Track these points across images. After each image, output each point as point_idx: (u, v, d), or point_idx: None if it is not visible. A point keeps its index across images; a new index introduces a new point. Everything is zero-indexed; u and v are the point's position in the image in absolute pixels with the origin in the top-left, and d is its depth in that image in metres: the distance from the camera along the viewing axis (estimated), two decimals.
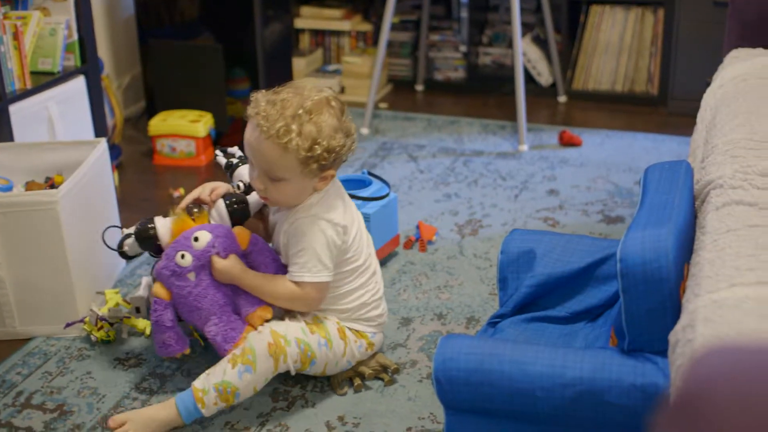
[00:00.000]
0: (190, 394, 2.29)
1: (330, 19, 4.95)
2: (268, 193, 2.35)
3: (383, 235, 2.98)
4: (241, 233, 2.41)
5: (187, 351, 2.41)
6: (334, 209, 2.36)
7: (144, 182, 3.85)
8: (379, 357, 2.49)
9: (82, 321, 2.72)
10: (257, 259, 2.42)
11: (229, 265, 2.35)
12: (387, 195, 2.98)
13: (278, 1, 4.14)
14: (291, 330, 2.34)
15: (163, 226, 2.45)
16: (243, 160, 2.64)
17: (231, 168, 2.66)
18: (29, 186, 2.94)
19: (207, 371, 2.31)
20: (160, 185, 3.83)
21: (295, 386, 2.46)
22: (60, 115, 3.38)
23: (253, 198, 2.51)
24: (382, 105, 4.63)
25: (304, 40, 5.04)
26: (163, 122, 3.99)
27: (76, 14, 3.51)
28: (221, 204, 2.48)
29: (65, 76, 3.45)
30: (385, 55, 4.59)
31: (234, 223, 2.47)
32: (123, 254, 2.56)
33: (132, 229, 2.52)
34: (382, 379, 2.47)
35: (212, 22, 4.14)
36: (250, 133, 2.29)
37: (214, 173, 3.89)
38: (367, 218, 2.88)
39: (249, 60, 4.06)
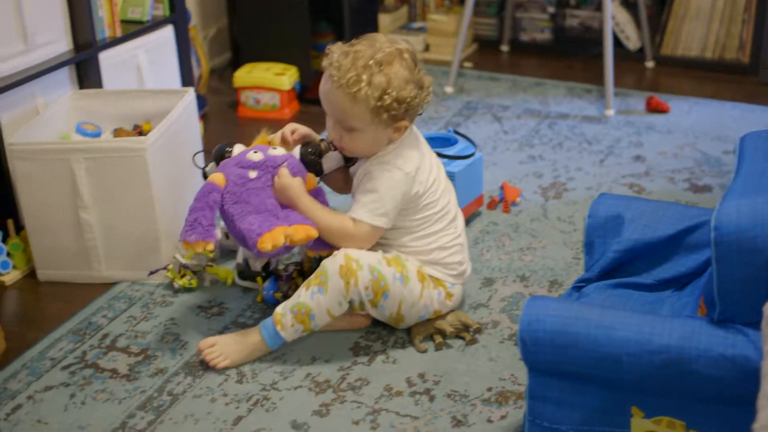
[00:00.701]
0: (271, 318, 2.38)
1: None
2: (343, 143, 2.39)
3: (467, 195, 2.96)
4: (310, 179, 2.46)
5: (210, 246, 2.37)
6: (406, 158, 2.38)
7: (228, 133, 3.86)
8: (461, 315, 2.48)
9: (165, 268, 2.75)
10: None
11: (293, 182, 2.40)
12: (473, 154, 2.95)
13: None
14: (366, 256, 2.36)
15: (239, 149, 2.50)
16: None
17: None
18: (117, 133, 2.98)
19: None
20: (244, 137, 3.83)
21: (377, 341, 2.47)
22: (148, 64, 3.40)
23: (336, 156, 2.52)
24: (467, 64, 4.59)
25: None
26: (248, 74, 4.00)
27: None
28: (297, 150, 2.50)
29: (154, 25, 3.46)
30: (471, 14, 4.53)
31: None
32: (205, 176, 2.60)
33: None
34: (463, 338, 2.46)
35: None
36: (323, 84, 2.36)
37: None
38: (452, 176, 2.87)
39: (335, 14, 4.04)
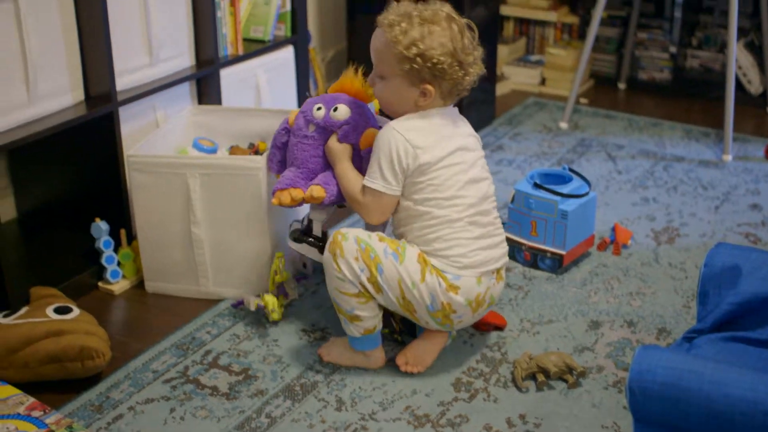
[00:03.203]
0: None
1: (536, 9, 4.87)
2: (375, 90, 2.44)
3: (579, 234, 2.92)
4: (369, 135, 2.50)
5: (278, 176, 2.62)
6: (416, 129, 2.36)
7: None
8: (565, 357, 2.44)
9: (241, 303, 2.75)
10: (363, 166, 2.49)
11: (338, 148, 2.50)
12: (587, 194, 2.91)
13: None
14: (354, 230, 2.39)
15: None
16: None
17: None
18: (233, 150, 3.00)
19: None
20: None
21: (479, 378, 2.44)
22: (267, 83, 3.44)
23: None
24: (583, 100, 4.54)
25: (509, 28, 4.99)
26: None
27: None
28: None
29: (275, 45, 3.50)
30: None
31: None
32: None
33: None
34: (566, 381, 2.42)
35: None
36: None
37: None
38: (564, 215, 2.83)
39: None
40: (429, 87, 2.34)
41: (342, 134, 2.50)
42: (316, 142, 2.54)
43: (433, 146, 2.35)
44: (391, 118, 2.45)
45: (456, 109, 2.49)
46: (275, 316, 2.63)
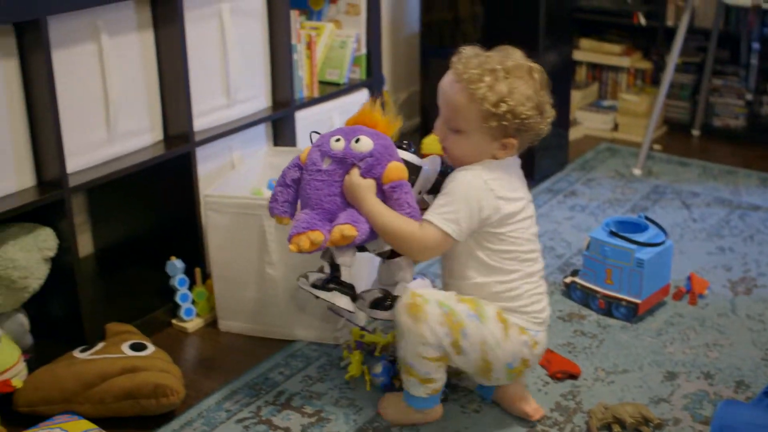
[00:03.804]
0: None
1: (609, 54, 4.85)
2: (447, 143, 2.32)
3: (655, 283, 2.88)
4: (394, 169, 2.30)
5: (286, 221, 2.39)
6: (500, 179, 2.27)
7: None
8: (641, 408, 2.39)
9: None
10: (389, 203, 2.30)
11: (363, 183, 2.29)
12: (663, 242, 2.88)
13: (560, 31, 4.09)
14: (432, 292, 2.30)
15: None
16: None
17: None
18: None
19: None
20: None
21: (553, 427, 2.41)
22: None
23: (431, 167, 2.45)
24: (656, 147, 4.50)
25: (581, 73, 4.98)
26: (436, 141, 4.00)
27: (367, 29, 3.58)
28: (438, 160, 2.45)
29: (350, 88, 3.53)
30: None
31: (433, 189, 2.42)
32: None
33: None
34: None
35: (494, 45, 4.13)
36: (444, 78, 2.30)
37: None
38: (640, 264, 2.80)
39: None
40: (513, 141, 2.27)
41: (366, 168, 2.29)
42: (331, 178, 2.31)
43: (513, 198, 2.29)
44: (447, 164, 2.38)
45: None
46: (355, 371, 2.60)
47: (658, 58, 4.78)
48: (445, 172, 2.39)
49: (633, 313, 2.88)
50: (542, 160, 4.04)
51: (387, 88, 4.24)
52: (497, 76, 2.21)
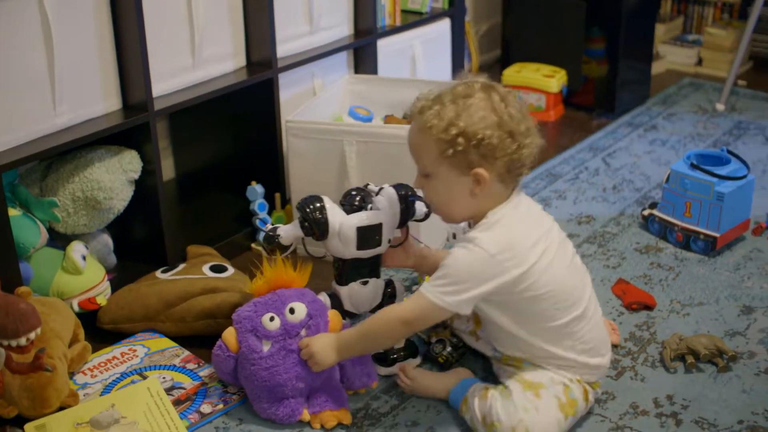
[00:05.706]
0: (460, 398, 2.20)
1: None
2: (424, 192, 2.14)
3: (734, 217, 2.86)
4: (335, 319, 2.26)
5: None
6: (495, 234, 2.03)
7: None
8: (716, 340, 2.39)
9: None
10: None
11: (322, 344, 2.15)
12: (745, 176, 2.85)
13: None
14: (542, 424, 2.07)
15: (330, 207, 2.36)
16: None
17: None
18: (388, 119, 3.04)
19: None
20: None
21: (626, 356, 2.42)
22: (422, 55, 3.46)
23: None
24: (741, 82, 4.42)
25: (666, 6, 4.89)
26: (517, 73, 4.00)
27: None
28: (392, 192, 2.36)
29: (432, 17, 3.53)
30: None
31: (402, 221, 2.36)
32: (269, 240, 2.39)
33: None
34: (716, 364, 2.38)
35: None
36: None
37: (561, 130, 3.87)
38: (720, 197, 2.78)
39: (609, 20, 3.97)
40: (480, 171, 2.00)
41: (313, 330, 2.19)
42: (285, 357, 2.16)
43: (521, 244, 2.04)
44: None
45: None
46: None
47: None
48: (405, 197, 2.34)
49: (711, 247, 2.86)
50: (623, 94, 4.00)
51: (468, 18, 4.22)
52: (443, 101, 2.02)
